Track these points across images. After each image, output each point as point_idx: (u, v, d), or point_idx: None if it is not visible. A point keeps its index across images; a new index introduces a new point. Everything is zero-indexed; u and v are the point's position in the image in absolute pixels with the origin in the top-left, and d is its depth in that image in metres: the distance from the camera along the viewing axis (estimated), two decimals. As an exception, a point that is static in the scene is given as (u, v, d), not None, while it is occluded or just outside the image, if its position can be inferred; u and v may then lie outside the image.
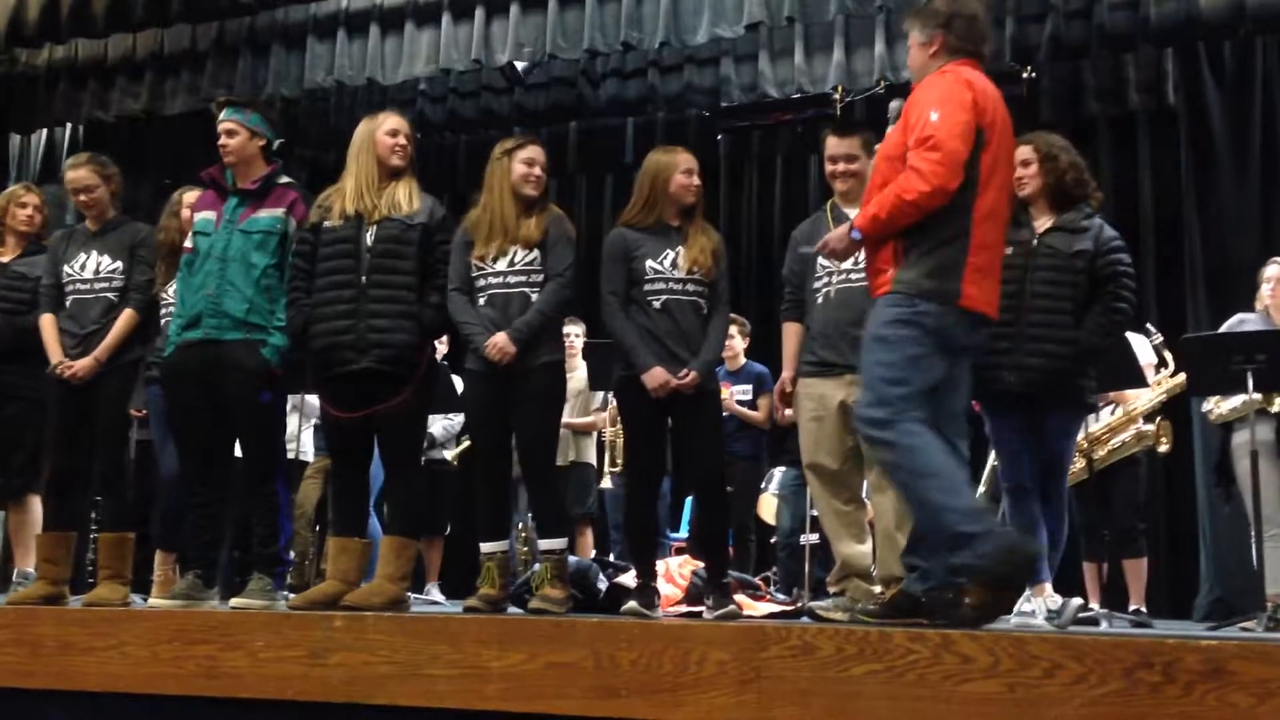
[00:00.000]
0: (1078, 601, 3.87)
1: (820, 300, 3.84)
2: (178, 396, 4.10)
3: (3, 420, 4.90)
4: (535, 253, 3.90)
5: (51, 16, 7.80)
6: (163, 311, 4.52)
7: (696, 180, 3.96)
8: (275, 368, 4.02)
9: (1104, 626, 4.36)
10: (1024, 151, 3.96)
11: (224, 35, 8.06)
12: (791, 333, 4.00)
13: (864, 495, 3.96)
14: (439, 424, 6.21)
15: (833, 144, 3.90)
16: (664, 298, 3.87)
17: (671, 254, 3.89)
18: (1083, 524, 5.09)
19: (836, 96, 7.56)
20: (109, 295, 4.45)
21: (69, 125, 8.80)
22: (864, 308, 3.72)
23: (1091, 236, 3.91)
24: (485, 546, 3.93)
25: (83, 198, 4.56)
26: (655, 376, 3.80)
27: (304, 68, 7.86)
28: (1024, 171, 3.94)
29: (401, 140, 4.00)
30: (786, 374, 3.98)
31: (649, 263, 3.88)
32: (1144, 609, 5.09)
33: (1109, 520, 5.10)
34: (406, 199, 3.95)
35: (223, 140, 4.11)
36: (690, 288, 3.89)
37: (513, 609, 3.96)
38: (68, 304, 4.47)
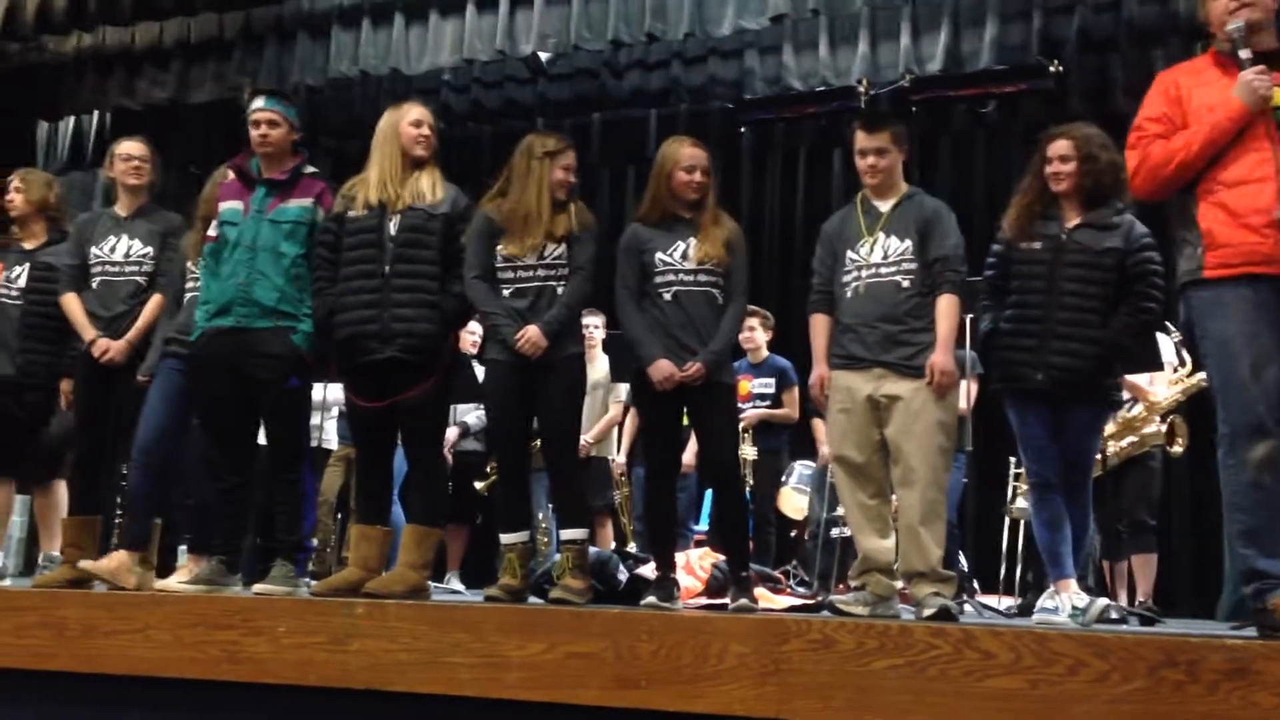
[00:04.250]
0: (1104, 601, 3.85)
1: (849, 294, 3.80)
2: (207, 384, 4.09)
3: (26, 405, 4.91)
4: (562, 246, 3.90)
5: (79, 4, 7.87)
6: (188, 285, 4.41)
7: (699, 177, 3.89)
8: (306, 354, 4.03)
9: (1127, 624, 4.33)
10: (1063, 146, 3.90)
11: (250, 24, 8.11)
12: (821, 325, 3.92)
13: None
14: (473, 414, 6.12)
15: (862, 139, 3.86)
16: (675, 289, 3.86)
17: (683, 245, 3.87)
18: (1099, 522, 5.05)
19: (861, 89, 7.52)
20: (138, 279, 4.48)
21: (96, 113, 8.86)
22: (893, 302, 3.71)
23: (1122, 234, 3.86)
24: (506, 537, 3.94)
25: (137, 164, 4.55)
26: (660, 369, 3.80)
27: (329, 57, 7.90)
28: (1062, 167, 3.89)
29: (425, 130, 4.00)
30: (822, 369, 3.88)
31: (659, 255, 3.87)
32: (1151, 602, 5.05)
33: (1120, 515, 5.07)
34: (430, 189, 3.95)
35: (264, 130, 4.09)
36: (702, 278, 3.87)
37: (533, 599, 3.97)
38: (94, 285, 4.49)
